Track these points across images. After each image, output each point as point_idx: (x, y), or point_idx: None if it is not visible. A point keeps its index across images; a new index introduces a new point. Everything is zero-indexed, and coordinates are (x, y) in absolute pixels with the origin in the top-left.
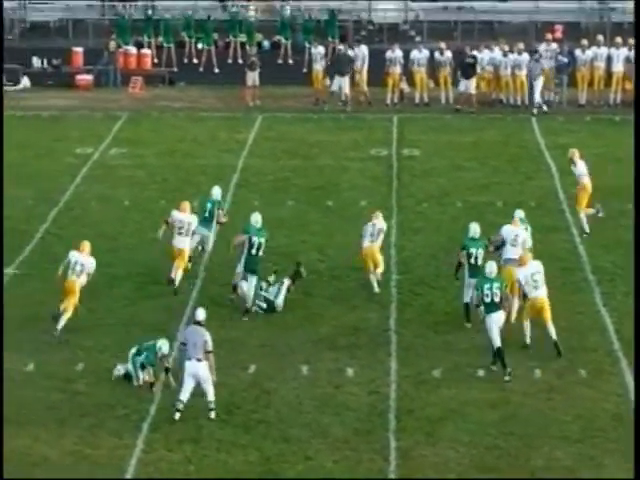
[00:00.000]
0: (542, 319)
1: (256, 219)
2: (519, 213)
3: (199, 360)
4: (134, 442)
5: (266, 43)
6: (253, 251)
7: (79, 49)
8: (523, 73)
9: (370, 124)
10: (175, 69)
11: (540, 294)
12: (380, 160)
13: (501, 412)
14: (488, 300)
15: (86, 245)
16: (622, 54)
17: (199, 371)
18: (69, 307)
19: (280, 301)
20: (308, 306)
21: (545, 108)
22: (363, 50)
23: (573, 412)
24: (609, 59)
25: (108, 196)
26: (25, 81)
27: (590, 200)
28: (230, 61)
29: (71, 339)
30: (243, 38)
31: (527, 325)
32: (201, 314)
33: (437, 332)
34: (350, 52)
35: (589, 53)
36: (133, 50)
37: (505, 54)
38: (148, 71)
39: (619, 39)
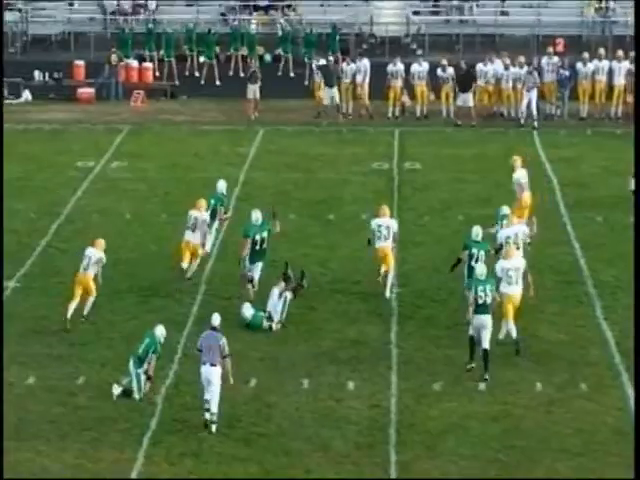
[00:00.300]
0: (506, 315)
1: (256, 217)
2: (504, 210)
3: (213, 365)
4: (135, 456)
5: (268, 56)
6: (257, 247)
7: (81, 62)
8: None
9: (371, 137)
10: (177, 82)
11: (510, 291)
12: (381, 173)
13: (502, 425)
14: (480, 301)
15: (100, 242)
16: (624, 67)
17: (211, 376)
18: (90, 295)
19: (283, 317)
20: (309, 319)
21: (533, 120)
22: (365, 63)
23: (574, 425)
24: (610, 72)
25: (110, 209)
26: (27, 94)
27: (531, 213)
28: (231, 74)
29: (72, 353)
30: (244, 51)
31: (504, 322)
32: (216, 319)
33: (438, 346)
34: (352, 65)
35: (590, 66)
36: (135, 63)
37: (506, 67)
38: (150, 84)
39: (620, 52)
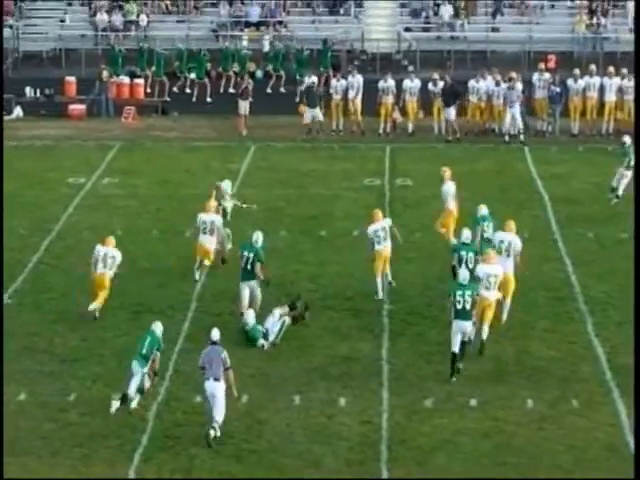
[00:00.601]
0: (483, 318)
1: (256, 238)
2: (483, 210)
3: (216, 380)
4: (126, 472)
5: (259, 73)
6: (243, 265)
7: (72, 79)
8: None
9: (363, 154)
10: (168, 99)
11: (488, 295)
12: (373, 190)
13: (494, 442)
14: (459, 307)
15: (111, 239)
16: (615, 84)
17: (215, 391)
18: (101, 298)
19: (277, 339)
20: (301, 336)
21: (512, 133)
22: (358, 79)
23: (566, 442)
24: (602, 89)
25: (101, 226)
26: (18, 111)
27: (457, 224)
28: (222, 91)
29: (64, 369)
30: (236, 68)
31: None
32: (216, 334)
33: (429, 362)
34: (342, 81)
35: (581, 83)
36: (126, 80)
37: (497, 83)
38: (141, 101)
39: (611, 69)
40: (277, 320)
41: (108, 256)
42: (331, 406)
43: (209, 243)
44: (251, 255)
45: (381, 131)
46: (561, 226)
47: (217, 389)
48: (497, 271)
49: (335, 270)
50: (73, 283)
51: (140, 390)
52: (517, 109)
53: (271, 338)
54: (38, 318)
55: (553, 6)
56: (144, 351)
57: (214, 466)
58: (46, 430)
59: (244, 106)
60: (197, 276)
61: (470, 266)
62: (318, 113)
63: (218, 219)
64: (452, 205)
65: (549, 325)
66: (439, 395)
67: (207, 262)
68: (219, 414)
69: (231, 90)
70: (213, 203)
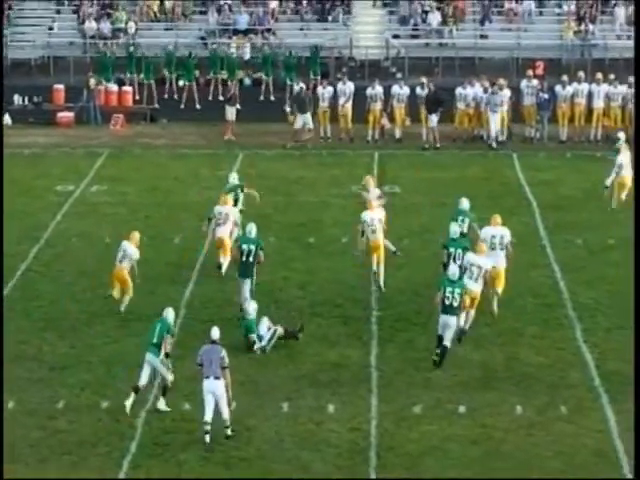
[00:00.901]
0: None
1: (250, 229)
2: (462, 203)
3: (217, 378)
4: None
5: (247, 80)
6: (244, 258)
7: (60, 86)
8: (504, 109)
9: (351, 160)
10: (157, 106)
11: (472, 286)
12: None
13: (482, 448)
14: (447, 302)
15: (135, 235)
16: (602, 90)
17: (217, 389)
18: (127, 292)
19: (268, 346)
20: (290, 343)
21: (500, 139)
22: (350, 86)
23: (554, 448)
24: (590, 95)
25: (89, 233)
26: (6, 119)
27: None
28: (211, 98)
29: (52, 377)
30: (224, 75)
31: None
32: (215, 333)
33: (418, 368)
34: (329, 88)
35: (569, 89)
36: (114, 87)
37: (485, 90)
38: (129, 108)
39: (599, 75)
40: (267, 330)
41: (126, 252)
42: (320, 413)
43: (222, 232)
44: (252, 247)
45: (369, 138)
46: (549, 232)
47: (218, 387)
48: (482, 263)
49: (324, 277)
50: (62, 291)
51: (163, 391)
52: (497, 116)
53: (263, 342)
54: (27, 326)
55: (541, 13)
56: (155, 340)
57: (203, 473)
58: (35, 438)
59: (231, 112)
60: (223, 269)
61: (459, 262)
62: (309, 118)
63: (231, 209)
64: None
65: (538, 331)
66: (428, 402)
67: (223, 257)
68: (225, 412)
69: (220, 97)
70: (228, 198)
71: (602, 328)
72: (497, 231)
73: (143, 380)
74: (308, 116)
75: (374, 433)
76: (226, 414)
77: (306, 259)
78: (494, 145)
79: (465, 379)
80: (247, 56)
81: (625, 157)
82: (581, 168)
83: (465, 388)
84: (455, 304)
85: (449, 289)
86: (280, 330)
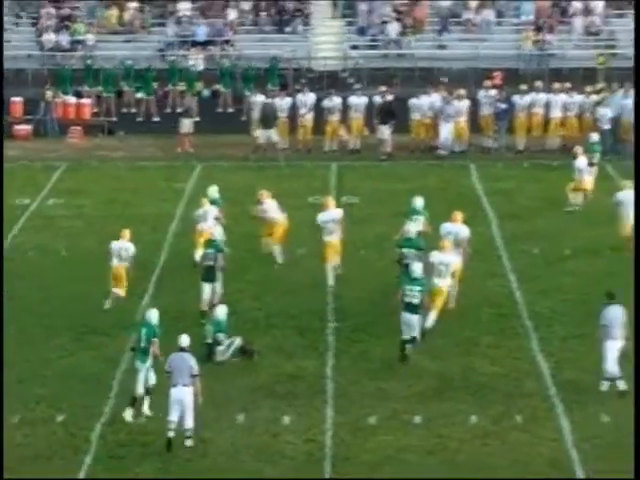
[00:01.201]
0: (431, 306)
1: (216, 234)
2: (415, 202)
3: (185, 385)
4: None
5: (206, 92)
6: (211, 264)
7: (18, 99)
8: (462, 119)
9: (309, 172)
10: (114, 119)
11: (439, 283)
12: (318, 208)
13: (438, 458)
14: (407, 300)
15: (126, 232)
16: (560, 100)
17: (184, 397)
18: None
19: (224, 357)
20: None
21: (457, 149)
22: (310, 97)
23: (509, 457)
24: (547, 105)
25: (46, 246)
26: None
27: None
28: (169, 110)
29: (8, 391)
30: (182, 87)
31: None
32: (185, 340)
33: (373, 379)
34: (287, 99)
35: (527, 99)
36: (72, 100)
37: (443, 100)
38: (87, 121)
39: (557, 85)
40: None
41: (122, 249)
42: (276, 424)
43: (206, 226)
44: (218, 254)
45: (327, 149)
46: (506, 242)
47: (187, 395)
48: (449, 260)
49: (279, 288)
50: (17, 304)
51: (147, 390)
52: (449, 125)
53: (221, 348)
54: None
55: (499, 23)
56: (142, 344)
57: None
58: None
59: (187, 124)
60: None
61: (409, 262)
62: (272, 134)
63: (209, 208)
64: (280, 216)
65: (494, 341)
66: (383, 412)
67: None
68: (190, 421)
69: (178, 109)
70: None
71: (558, 337)
72: (454, 228)
73: (139, 389)
74: (272, 132)
75: (330, 444)
76: (190, 424)
77: (262, 271)
78: (443, 153)
79: (421, 389)
80: (201, 67)
81: (582, 162)
82: (538, 178)
83: (421, 398)
84: (415, 301)
85: (408, 287)
86: (239, 341)
